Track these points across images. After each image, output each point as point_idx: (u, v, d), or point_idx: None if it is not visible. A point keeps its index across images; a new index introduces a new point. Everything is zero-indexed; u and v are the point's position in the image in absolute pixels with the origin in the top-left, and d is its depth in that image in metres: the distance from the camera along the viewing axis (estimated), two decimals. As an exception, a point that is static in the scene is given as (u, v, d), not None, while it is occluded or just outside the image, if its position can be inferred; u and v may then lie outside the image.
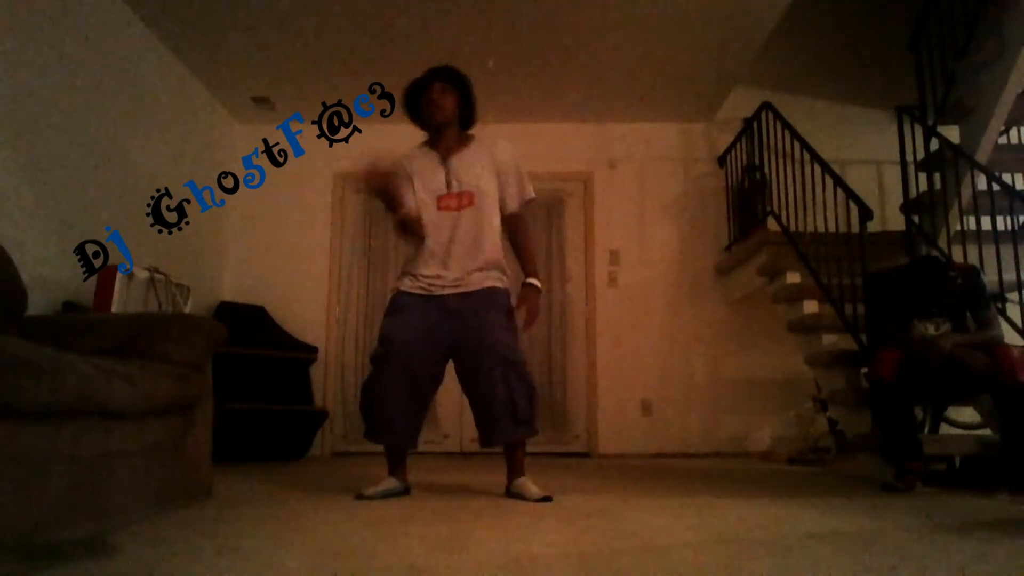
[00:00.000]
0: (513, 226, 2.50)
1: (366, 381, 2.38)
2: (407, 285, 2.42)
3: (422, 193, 2.41)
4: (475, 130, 2.58)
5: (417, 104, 2.49)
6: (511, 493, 2.36)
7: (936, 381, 2.74)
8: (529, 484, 2.32)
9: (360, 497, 2.29)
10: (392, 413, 2.32)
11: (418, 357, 2.32)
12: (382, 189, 2.35)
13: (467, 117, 2.52)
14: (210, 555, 1.46)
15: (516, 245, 2.51)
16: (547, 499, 2.23)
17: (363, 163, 2.32)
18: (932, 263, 2.81)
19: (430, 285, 2.38)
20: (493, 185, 2.44)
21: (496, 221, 2.45)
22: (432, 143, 2.49)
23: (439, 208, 2.40)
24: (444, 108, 2.42)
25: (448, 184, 2.40)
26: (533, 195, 2.53)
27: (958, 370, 2.65)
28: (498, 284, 2.42)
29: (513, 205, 2.48)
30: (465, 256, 2.37)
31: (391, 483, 2.39)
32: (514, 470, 2.38)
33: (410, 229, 2.42)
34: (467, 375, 2.36)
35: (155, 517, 1.85)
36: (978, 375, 2.62)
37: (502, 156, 2.47)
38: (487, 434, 2.36)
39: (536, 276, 2.46)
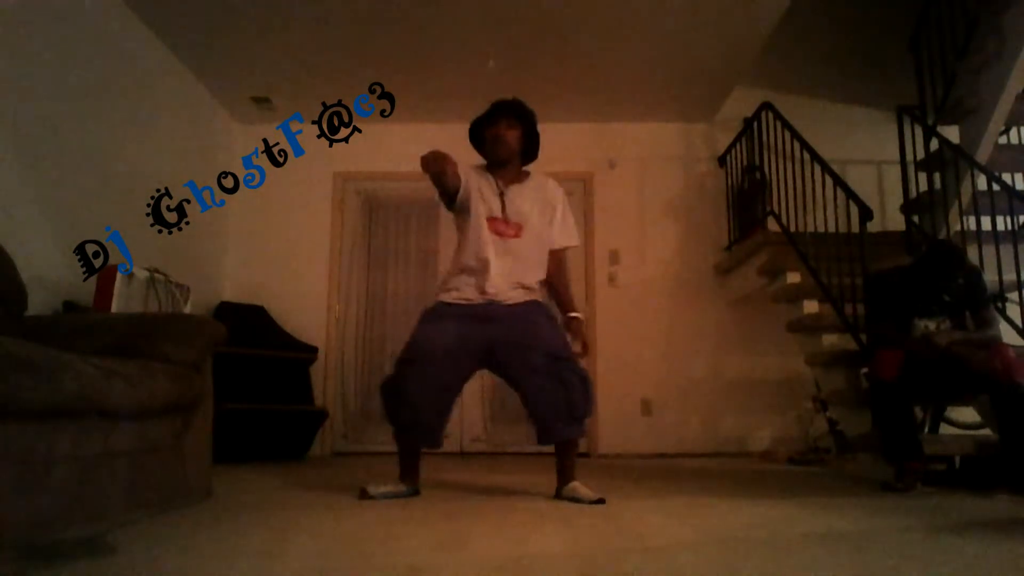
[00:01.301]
0: (554, 262, 2.54)
1: (389, 383, 2.38)
2: (446, 296, 2.43)
3: (479, 208, 2.44)
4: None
5: (481, 135, 2.53)
6: (562, 496, 2.34)
7: (936, 380, 2.74)
8: (581, 487, 2.31)
9: (364, 495, 2.29)
10: (424, 414, 2.33)
11: (448, 361, 2.32)
12: (442, 173, 2.33)
13: (529, 152, 2.56)
14: (210, 555, 1.46)
15: (555, 281, 2.54)
16: (601, 501, 2.22)
17: (436, 154, 2.29)
18: (950, 251, 2.82)
19: (468, 295, 2.39)
20: (543, 224, 2.49)
21: (542, 258, 2.49)
22: (491, 170, 2.52)
23: (489, 229, 2.42)
24: (509, 145, 2.47)
25: (503, 210, 2.43)
26: (577, 242, 2.60)
27: (957, 367, 2.65)
28: (540, 299, 2.46)
29: (560, 242, 2.54)
30: (505, 281, 2.39)
31: (399, 487, 2.38)
32: (565, 474, 2.38)
33: (443, 180, 2.37)
34: (517, 375, 2.36)
35: (155, 517, 1.85)
36: (978, 371, 2.61)
37: (555, 198, 2.53)
38: (544, 432, 2.35)
39: (576, 310, 2.54)
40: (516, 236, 2.43)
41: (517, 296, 2.40)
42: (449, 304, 2.41)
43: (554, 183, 2.58)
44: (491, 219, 2.43)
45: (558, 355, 2.32)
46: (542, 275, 2.50)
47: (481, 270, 2.39)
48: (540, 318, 2.40)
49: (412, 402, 2.32)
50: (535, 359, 2.30)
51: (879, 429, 2.79)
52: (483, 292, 2.37)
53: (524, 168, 2.57)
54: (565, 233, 2.55)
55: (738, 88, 4.52)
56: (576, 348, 2.45)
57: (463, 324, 2.35)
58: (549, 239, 2.52)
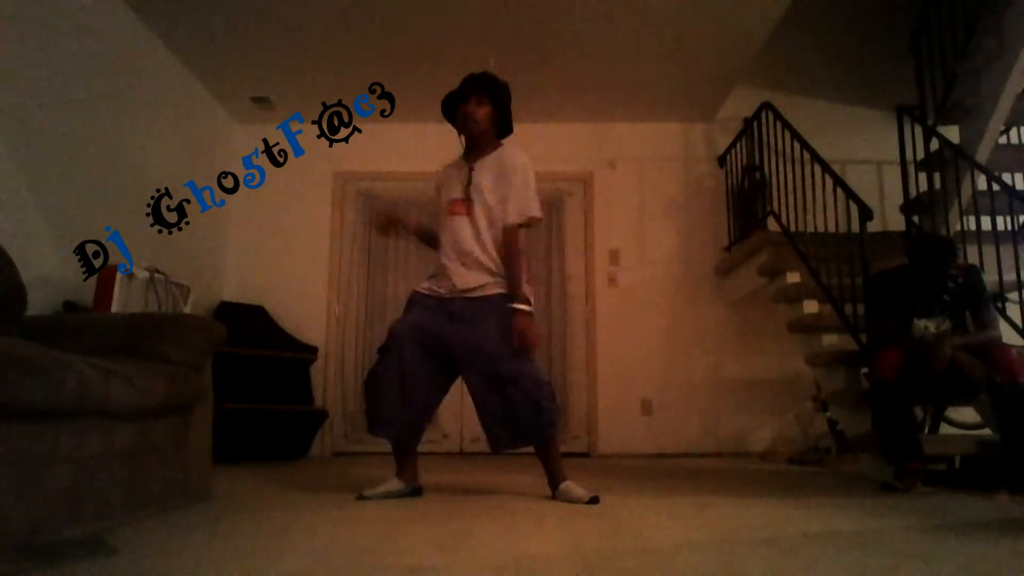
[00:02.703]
0: (505, 240, 2.37)
1: (367, 372, 2.43)
2: (422, 285, 2.47)
3: (442, 200, 2.48)
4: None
5: (455, 113, 2.50)
6: (557, 498, 2.32)
7: (936, 383, 2.73)
8: (574, 487, 2.30)
9: (360, 497, 2.29)
10: (385, 406, 2.34)
11: (410, 354, 2.33)
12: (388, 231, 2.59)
13: (503, 125, 2.52)
14: (209, 555, 1.46)
15: (503, 261, 2.38)
16: (595, 500, 2.21)
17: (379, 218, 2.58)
18: (939, 240, 2.82)
19: (438, 287, 2.41)
20: (496, 199, 2.38)
21: (494, 234, 2.40)
22: (466, 151, 2.52)
23: (447, 213, 2.44)
24: (478, 121, 2.44)
25: (465, 190, 2.42)
26: (537, 213, 2.38)
27: (958, 375, 2.64)
28: (504, 291, 2.37)
29: (511, 218, 2.36)
30: (467, 261, 2.37)
31: (394, 484, 2.38)
32: (553, 476, 2.37)
33: (401, 233, 2.59)
34: (466, 379, 2.37)
35: (155, 517, 1.85)
36: (977, 380, 2.61)
37: (511, 163, 2.39)
38: (489, 441, 2.37)
39: (521, 298, 2.31)
40: (466, 214, 2.39)
41: (475, 280, 2.34)
42: (421, 294, 2.44)
43: (516, 152, 2.42)
44: (451, 202, 2.44)
45: (499, 371, 2.25)
46: (494, 252, 2.38)
47: (447, 255, 2.40)
48: (493, 320, 2.30)
49: (377, 394, 2.34)
50: (481, 365, 2.29)
51: (879, 429, 2.79)
52: (449, 281, 2.38)
53: (501, 141, 2.51)
54: (517, 207, 2.35)
55: (738, 88, 4.52)
56: (517, 343, 2.27)
57: (431, 316, 2.37)
58: (501, 215, 2.37)
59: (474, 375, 2.32)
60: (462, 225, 2.39)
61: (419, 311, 2.40)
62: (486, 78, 2.47)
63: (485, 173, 2.42)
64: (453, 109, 2.51)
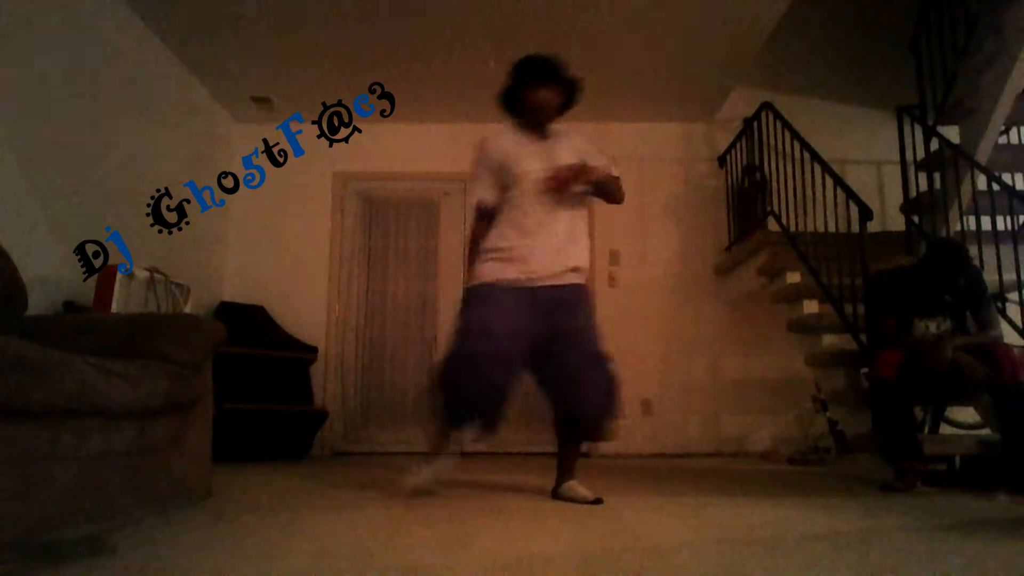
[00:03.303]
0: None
1: (450, 370, 2.23)
2: (494, 275, 2.29)
3: (517, 176, 2.32)
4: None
5: (514, 93, 2.41)
6: (559, 496, 2.31)
7: (937, 384, 2.73)
8: (578, 487, 2.28)
9: (415, 493, 2.29)
10: (483, 405, 2.22)
11: (509, 351, 2.21)
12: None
13: (566, 108, 2.49)
14: (210, 555, 1.46)
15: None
16: (598, 501, 2.20)
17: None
18: (952, 247, 2.82)
19: (519, 275, 2.28)
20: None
21: (583, 213, 2.43)
22: (524, 129, 2.44)
23: (537, 189, 2.28)
24: (554, 107, 2.41)
25: (553, 168, 2.30)
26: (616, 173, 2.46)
27: (958, 375, 2.64)
28: (582, 282, 2.38)
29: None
30: (556, 246, 2.32)
31: (446, 463, 2.35)
32: (565, 472, 2.35)
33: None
34: (554, 373, 2.27)
35: (155, 517, 1.85)
36: (976, 382, 2.61)
37: (594, 148, 2.47)
38: (570, 434, 2.33)
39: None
40: (560, 192, 2.28)
41: (568, 262, 2.32)
42: (499, 286, 2.26)
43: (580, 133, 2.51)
44: (539, 180, 2.29)
45: (596, 360, 2.26)
46: (584, 232, 2.42)
47: (532, 240, 2.29)
48: (582, 309, 2.31)
49: (475, 394, 2.19)
50: (574, 356, 2.24)
51: (879, 429, 2.79)
52: (534, 265, 2.27)
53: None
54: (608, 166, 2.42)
55: (738, 88, 4.52)
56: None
57: (519, 310, 2.23)
58: (584, 198, 2.40)
59: (566, 364, 2.23)
60: (556, 205, 2.32)
61: (502, 306, 2.23)
62: (554, 66, 2.42)
63: (571, 152, 2.36)
64: (512, 93, 2.42)
